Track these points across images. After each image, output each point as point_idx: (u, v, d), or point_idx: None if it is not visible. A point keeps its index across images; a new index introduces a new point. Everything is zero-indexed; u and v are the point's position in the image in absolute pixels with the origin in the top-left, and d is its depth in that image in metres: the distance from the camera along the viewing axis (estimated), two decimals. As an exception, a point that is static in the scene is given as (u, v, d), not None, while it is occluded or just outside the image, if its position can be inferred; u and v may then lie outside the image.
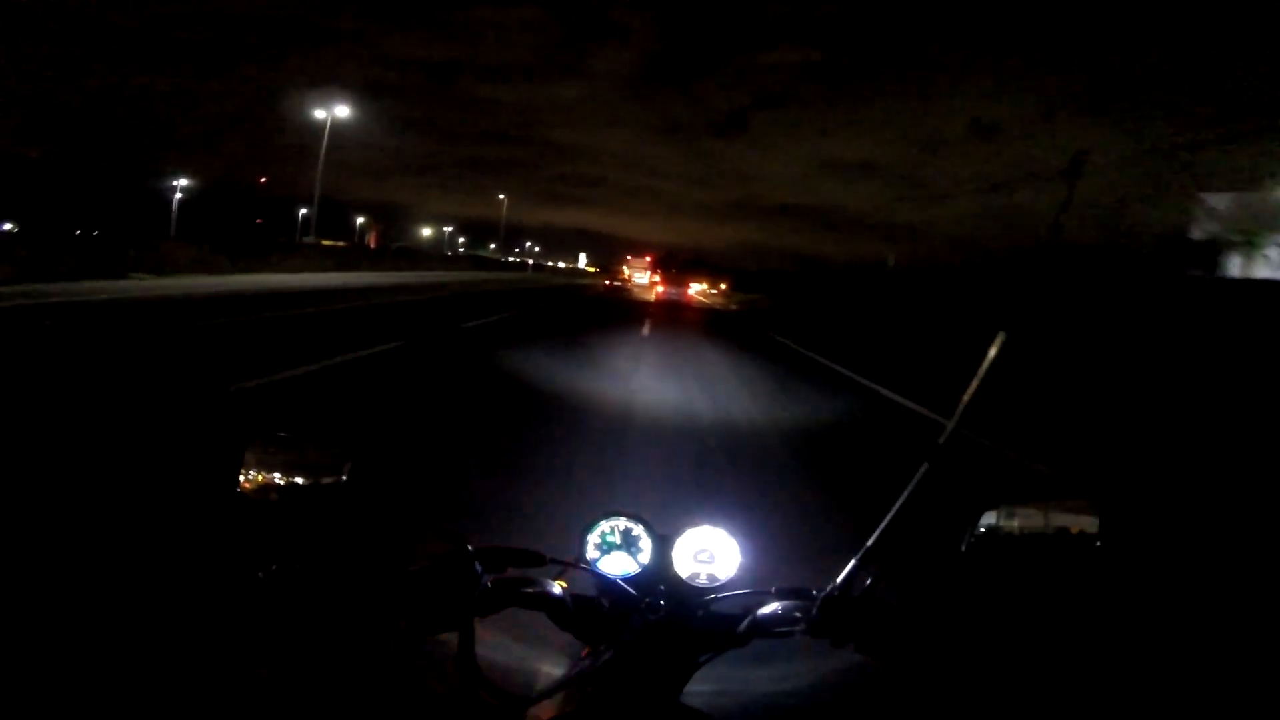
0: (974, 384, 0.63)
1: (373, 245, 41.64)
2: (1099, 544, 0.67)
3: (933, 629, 0.66)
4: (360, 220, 48.12)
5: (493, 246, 73.54)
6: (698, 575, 0.76)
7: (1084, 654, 1.50)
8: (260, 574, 0.61)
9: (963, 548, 0.68)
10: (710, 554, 0.77)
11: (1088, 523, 0.68)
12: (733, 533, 0.77)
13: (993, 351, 0.61)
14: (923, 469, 0.65)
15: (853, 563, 0.67)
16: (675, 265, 46.89)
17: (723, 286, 44.94)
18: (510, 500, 2.79)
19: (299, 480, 0.69)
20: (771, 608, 0.70)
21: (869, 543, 0.67)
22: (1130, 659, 1.71)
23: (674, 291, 30.95)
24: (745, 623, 0.70)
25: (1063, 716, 0.97)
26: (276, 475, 0.69)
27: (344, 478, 0.69)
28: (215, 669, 1.23)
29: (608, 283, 38.68)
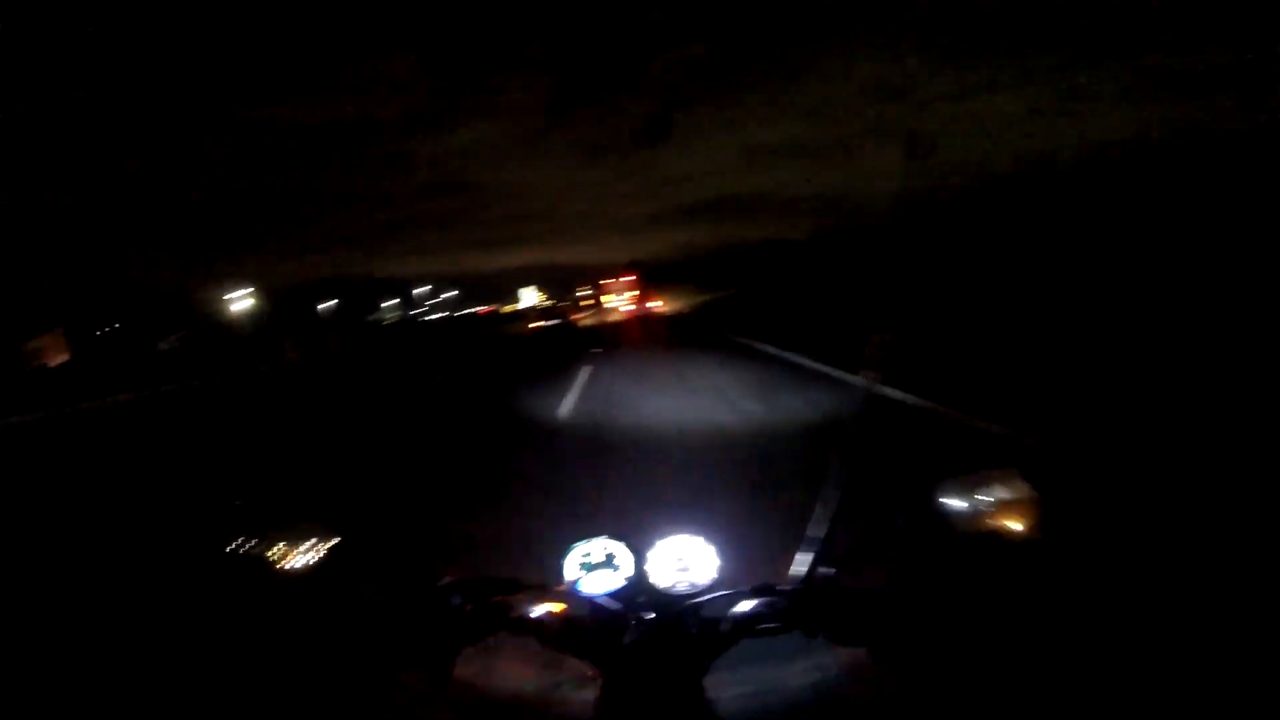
0: (876, 370, 0.71)
1: (49, 363, 25.15)
2: (1037, 513, 0.74)
3: (892, 609, 0.74)
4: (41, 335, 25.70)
5: (386, 304, 64.09)
6: (677, 583, 0.84)
7: (1035, 622, 1.59)
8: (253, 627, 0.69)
9: (899, 524, 0.76)
10: (687, 561, 0.85)
11: (1022, 490, 0.76)
12: (707, 537, 0.85)
13: (887, 336, 0.70)
14: (851, 451, 0.74)
15: (805, 553, 0.75)
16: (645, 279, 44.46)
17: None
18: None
19: (283, 549, 0.79)
20: (748, 606, 0.77)
21: (819, 532, 0.75)
22: (1083, 627, 1.79)
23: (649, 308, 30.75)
24: (725, 624, 0.77)
25: (1024, 682, 1.06)
26: (261, 544, 0.79)
27: (322, 552, 0.78)
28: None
29: (532, 327, 27.19)
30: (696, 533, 0.86)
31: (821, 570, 0.75)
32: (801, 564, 0.75)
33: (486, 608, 0.78)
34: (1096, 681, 1.52)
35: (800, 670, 0.81)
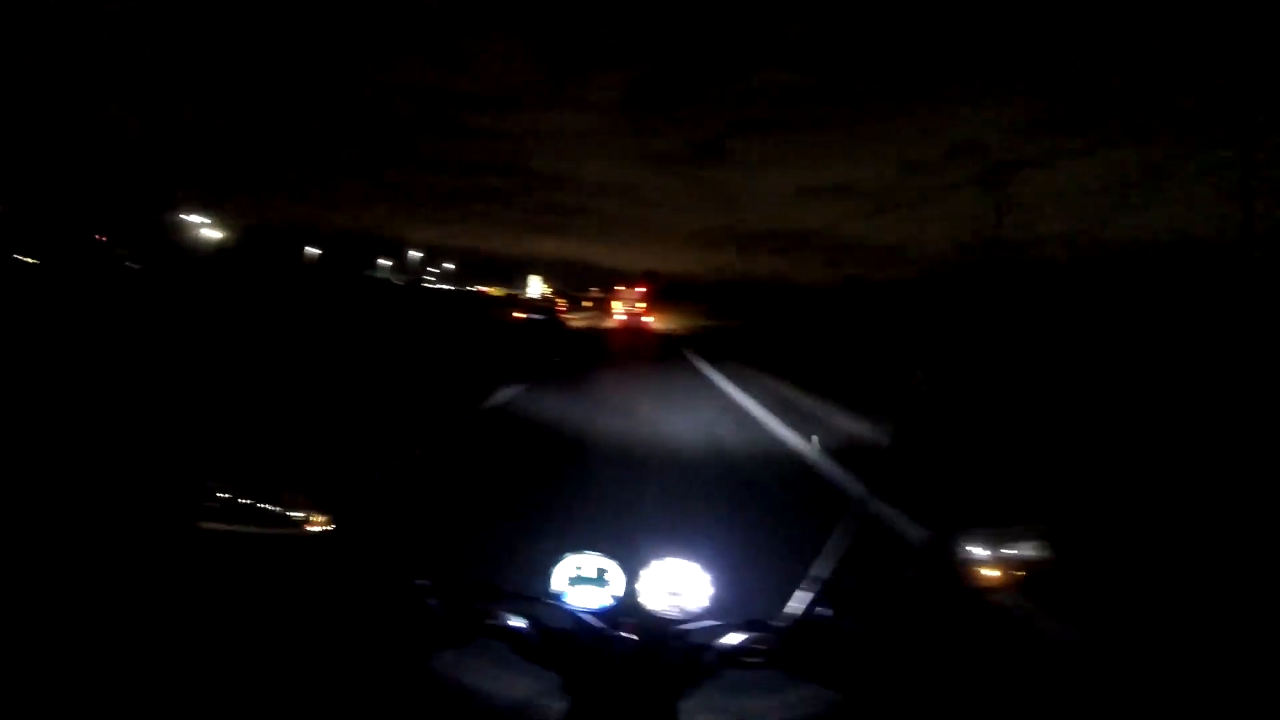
0: (905, 409, 0.71)
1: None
2: (1053, 568, 0.75)
3: (888, 656, 0.74)
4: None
5: (381, 264, 58.99)
6: (667, 608, 0.82)
7: (1042, 678, 1.57)
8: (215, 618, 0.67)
9: (911, 573, 0.76)
10: (680, 586, 0.83)
11: (1040, 547, 0.76)
12: (703, 564, 0.84)
13: (918, 378, 0.70)
14: (864, 494, 0.74)
15: (804, 592, 0.75)
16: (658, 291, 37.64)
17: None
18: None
19: (262, 527, 0.76)
20: (736, 638, 0.77)
21: (817, 571, 0.75)
22: (1090, 683, 1.80)
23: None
24: (710, 654, 0.76)
25: None
26: (239, 518, 0.75)
27: (310, 530, 0.76)
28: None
29: (516, 316, 24.45)
30: (692, 558, 0.85)
31: (819, 610, 0.74)
32: (799, 602, 0.74)
33: (464, 612, 0.76)
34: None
35: (777, 708, 0.80)
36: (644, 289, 35.02)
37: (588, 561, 0.85)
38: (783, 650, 0.74)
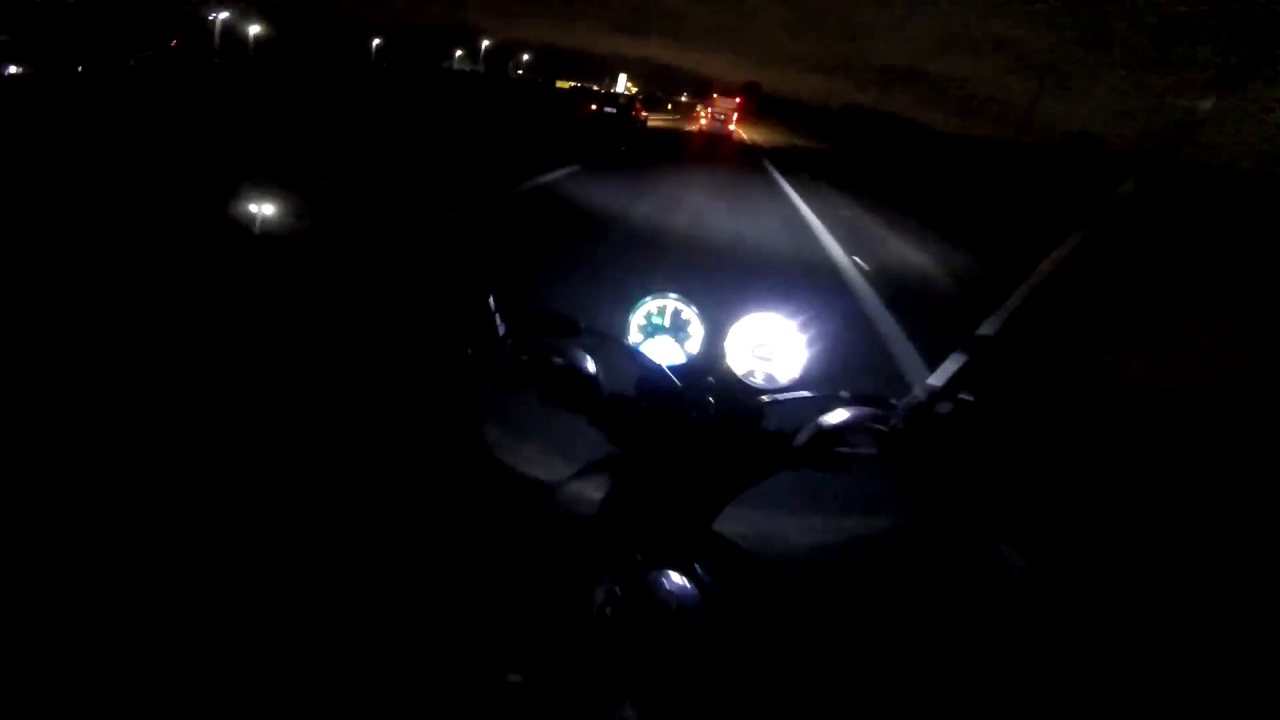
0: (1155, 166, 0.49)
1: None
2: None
3: (1038, 471, 0.56)
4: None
5: (459, 54, 55.69)
6: (753, 373, 0.68)
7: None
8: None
9: (1104, 362, 0.57)
10: (771, 349, 0.69)
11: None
12: (801, 324, 0.68)
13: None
14: (1073, 240, 0.52)
15: (950, 366, 0.55)
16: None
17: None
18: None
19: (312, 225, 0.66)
20: (838, 417, 0.59)
21: (976, 334, 0.56)
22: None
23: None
24: (804, 434, 0.60)
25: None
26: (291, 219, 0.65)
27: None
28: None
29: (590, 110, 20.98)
30: (788, 313, 0.69)
31: (962, 395, 0.53)
32: (940, 377, 0.55)
33: (534, 342, 0.64)
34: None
35: (878, 518, 0.67)
36: (740, 99, 33.31)
37: (667, 307, 0.72)
38: (898, 442, 0.54)
